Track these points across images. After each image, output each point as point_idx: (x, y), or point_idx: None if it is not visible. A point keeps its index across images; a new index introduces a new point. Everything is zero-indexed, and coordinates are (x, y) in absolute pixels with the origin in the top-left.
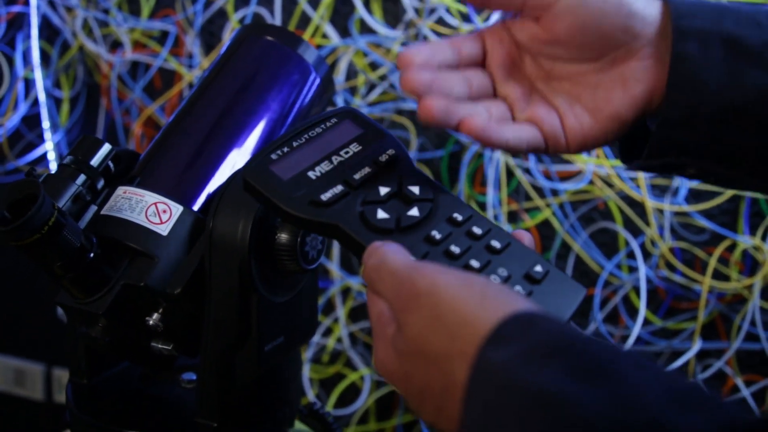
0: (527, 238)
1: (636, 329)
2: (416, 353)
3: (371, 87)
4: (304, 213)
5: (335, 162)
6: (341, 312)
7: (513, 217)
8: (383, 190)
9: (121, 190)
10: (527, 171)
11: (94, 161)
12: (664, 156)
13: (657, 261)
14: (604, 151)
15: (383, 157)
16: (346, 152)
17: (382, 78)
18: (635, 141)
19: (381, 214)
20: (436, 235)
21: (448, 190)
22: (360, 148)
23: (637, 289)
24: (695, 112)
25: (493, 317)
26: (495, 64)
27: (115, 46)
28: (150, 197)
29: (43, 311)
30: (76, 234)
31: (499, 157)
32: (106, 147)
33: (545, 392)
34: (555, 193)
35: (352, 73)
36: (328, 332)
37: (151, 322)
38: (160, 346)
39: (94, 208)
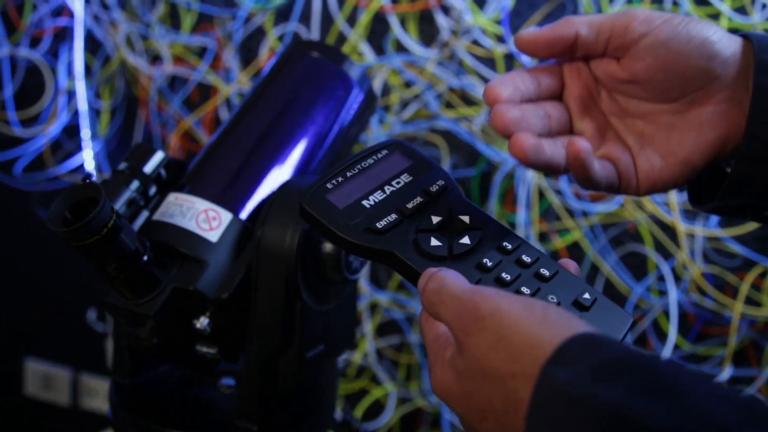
0: (573, 267)
1: (665, 354)
2: (478, 373)
3: (405, 105)
4: (360, 240)
5: (388, 192)
6: (368, 327)
7: (543, 238)
8: (435, 219)
9: (172, 197)
10: (558, 192)
11: (147, 168)
12: (741, 196)
13: (688, 285)
14: None
15: (434, 188)
16: (398, 182)
17: (416, 96)
18: (707, 183)
19: (434, 242)
20: (488, 262)
21: (496, 220)
22: (411, 178)
23: (666, 313)
24: None
25: (556, 338)
26: (572, 98)
27: (156, 59)
28: (200, 204)
29: (72, 316)
30: (131, 237)
31: (531, 177)
32: (159, 155)
33: (615, 407)
34: (585, 214)
35: (386, 91)
36: (354, 346)
37: (198, 326)
38: (204, 349)
39: (145, 213)
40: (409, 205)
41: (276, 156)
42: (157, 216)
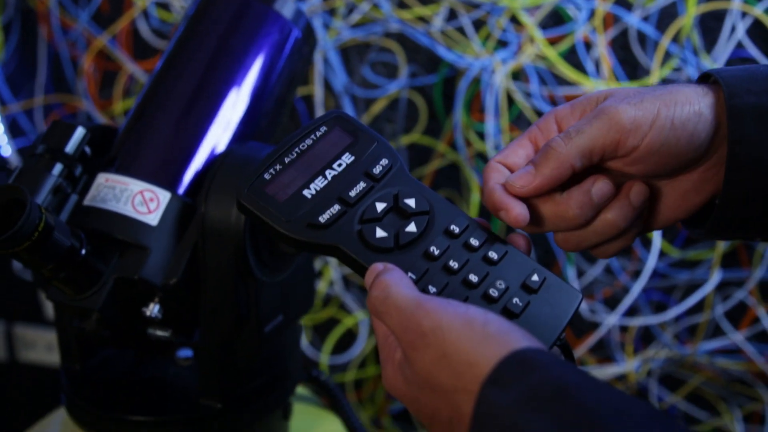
0: (523, 242)
1: (651, 262)
2: (424, 385)
3: (352, 8)
4: (303, 236)
5: (329, 177)
6: None
7: None
8: (380, 207)
9: (102, 178)
10: (528, 95)
11: (69, 148)
12: (727, 231)
13: None
14: (615, 74)
15: (377, 170)
16: (339, 165)
17: None
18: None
19: (380, 233)
20: (435, 251)
21: (443, 198)
22: (353, 158)
23: None
24: (755, 190)
25: (493, 357)
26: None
27: None
28: (135, 185)
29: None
30: (65, 234)
31: (499, 81)
32: (80, 131)
33: None
34: None
35: None
36: (318, 275)
37: (148, 314)
38: (158, 333)
39: (74, 197)
40: (352, 194)
41: (209, 118)
42: (88, 201)
